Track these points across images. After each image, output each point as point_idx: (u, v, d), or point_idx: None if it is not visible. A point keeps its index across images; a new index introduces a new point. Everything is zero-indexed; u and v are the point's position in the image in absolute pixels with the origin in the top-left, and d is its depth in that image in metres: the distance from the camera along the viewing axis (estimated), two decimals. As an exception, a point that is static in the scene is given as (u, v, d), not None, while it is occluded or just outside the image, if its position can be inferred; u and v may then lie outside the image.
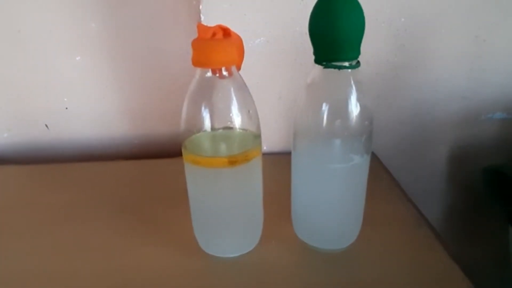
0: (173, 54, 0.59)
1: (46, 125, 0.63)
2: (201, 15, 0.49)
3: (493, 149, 0.59)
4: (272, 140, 0.57)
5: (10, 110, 0.62)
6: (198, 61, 0.30)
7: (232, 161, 0.31)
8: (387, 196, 0.46)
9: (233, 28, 0.31)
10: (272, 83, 0.54)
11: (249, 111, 0.32)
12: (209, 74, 0.31)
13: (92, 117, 0.63)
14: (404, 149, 0.59)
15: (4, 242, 0.41)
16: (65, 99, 0.62)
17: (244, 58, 0.33)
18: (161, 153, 0.65)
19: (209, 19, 0.49)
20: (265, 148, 0.57)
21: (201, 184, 0.34)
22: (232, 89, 0.31)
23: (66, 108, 0.62)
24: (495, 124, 0.58)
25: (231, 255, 0.37)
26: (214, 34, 0.29)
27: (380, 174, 0.51)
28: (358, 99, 0.31)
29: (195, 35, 0.59)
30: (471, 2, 0.51)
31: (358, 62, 0.31)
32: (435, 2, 0.50)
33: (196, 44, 0.30)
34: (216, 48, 0.29)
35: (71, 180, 0.53)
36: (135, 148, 0.66)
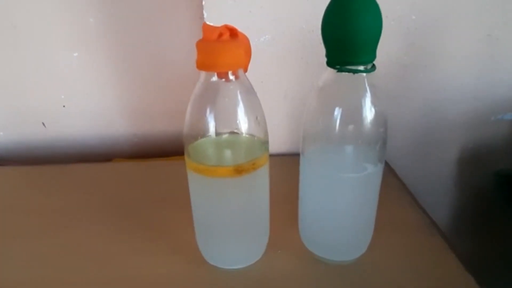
0: (174, 50, 0.57)
1: (43, 123, 0.62)
2: (204, 12, 0.47)
3: (503, 151, 0.57)
4: (277, 141, 0.56)
5: (6, 108, 0.61)
6: (203, 64, 0.28)
7: (239, 170, 0.30)
8: (397, 202, 0.44)
9: (238, 25, 0.29)
10: (277, 82, 0.52)
11: (256, 117, 0.30)
12: (214, 77, 0.29)
13: (90, 115, 0.62)
14: (412, 150, 0.58)
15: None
16: (63, 97, 0.60)
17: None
18: (161, 152, 0.63)
19: (213, 16, 0.47)
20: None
21: (205, 194, 0.32)
22: (238, 93, 0.29)
23: (64, 106, 0.61)
24: (506, 125, 0.56)
25: (235, 267, 0.35)
26: (220, 35, 0.27)
27: (389, 178, 0.49)
28: (373, 105, 0.29)
29: (197, 31, 0.57)
30: (483, 0, 0.49)
31: (374, 65, 0.29)
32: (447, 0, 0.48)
33: (201, 46, 0.28)
34: (223, 51, 0.27)
35: (69, 182, 0.51)
36: (134, 147, 0.64)
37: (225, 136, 0.30)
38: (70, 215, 0.44)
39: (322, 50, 0.50)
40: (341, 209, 0.33)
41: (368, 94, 0.29)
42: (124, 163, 0.59)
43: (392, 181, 0.49)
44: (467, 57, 0.52)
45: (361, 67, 0.28)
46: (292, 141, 0.56)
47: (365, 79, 0.29)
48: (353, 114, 0.30)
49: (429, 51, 0.51)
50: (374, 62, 0.29)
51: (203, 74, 0.29)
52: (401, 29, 0.49)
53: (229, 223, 0.33)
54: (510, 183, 0.49)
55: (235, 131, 0.30)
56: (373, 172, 0.31)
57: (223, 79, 0.29)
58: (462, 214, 0.61)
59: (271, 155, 0.33)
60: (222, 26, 0.28)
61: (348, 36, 0.27)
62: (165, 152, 0.63)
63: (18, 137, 0.63)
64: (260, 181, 0.32)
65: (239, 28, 0.29)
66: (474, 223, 0.61)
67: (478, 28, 0.50)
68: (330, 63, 0.29)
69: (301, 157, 0.34)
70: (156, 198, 0.47)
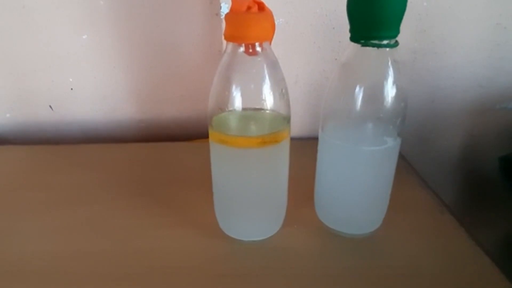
0: (185, 34, 0.57)
1: (50, 106, 0.62)
2: (219, -7, 0.47)
3: (506, 139, 0.59)
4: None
5: (13, 90, 0.60)
6: (232, 36, 0.28)
7: (262, 142, 0.30)
8: (406, 182, 0.45)
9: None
10: (288, 66, 0.52)
11: (282, 90, 0.31)
12: (241, 49, 0.29)
13: (98, 98, 0.61)
14: (417, 135, 0.59)
15: (11, 223, 0.39)
16: (71, 80, 0.60)
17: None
18: (169, 137, 0.64)
19: (227, -1, 0.48)
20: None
21: (227, 165, 0.33)
22: (265, 66, 0.30)
23: (72, 89, 0.60)
24: (510, 114, 0.58)
25: (253, 239, 0.36)
26: (249, 8, 0.28)
27: (398, 160, 0.50)
28: (395, 80, 0.30)
29: (208, 16, 0.57)
30: (493, -12, 0.50)
31: (397, 41, 0.29)
32: (457, -13, 0.49)
33: (231, 18, 0.28)
34: (252, 22, 0.28)
35: (79, 161, 0.51)
36: (141, 131, 0.64)
37: (249, 108, 0.31)
38: (84, 192, 0.44)
39: (335, 35, 0.51)
40: (358, 182, 0.33)
41: (391, 69, 0.30)
42: (131, 144, 0.59)
43: (401, 163, 0.49)
44: (475, 45, 0.53)
45: (385, 42, 0.29)
46: (303, 126, 0.56)
47: (388, 55, 0.30)
48: (376, 89, 0.30)
49: (439, 38, 0.52)
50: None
51: (230, 46, 0.29)
52: (412, 15, 0.50)
53: (249, 194, 0.33)
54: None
55: (260, 103, 0.30)
56: (393, 145, 0.32)
57: (250, 51, 0.29)
58: (467, 199, 0.63)
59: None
60: (250, -1, 0.28)
61: (375, 10, 0.27)
62: (172, 137, 0.63)
63: (25, 119, 0.62)
64: (282, 154, 0.33)
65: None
66: (475, 206, 0.62)
67: (487, 17, 0.51)
68: (354, 38, 0.30)
69: (320, 133, 0.34)
70: (169, 177, 0.47)
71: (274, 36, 0.50)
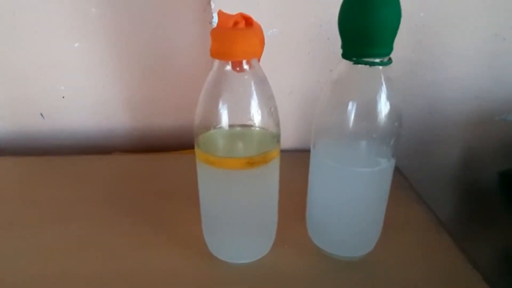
0: (178, 42, 0.56)
1: (42, 114, 0.61)
2: (212, 2, 0.46)
3: (505, 151, 0.57)
4: (282, 137, 0.55)
5: (3, 98, 0.59)
6: (218, 53, 0.27)
7: (251, 163, 0.29)
8: (402, 198, 0.44)
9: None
10: (283, 77, 0.51)
11: (270, 109, 0.29)
12: (228, 67, 0.28)
13: (90, 107, 0.60)
14: (415, 148, 0.58)
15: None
16: (62, 88, 0.59)
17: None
18: (162, 146, 0.63)
19: (219, 7, 0.46)
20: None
21: (215, 186, 0.31)
22: (253, 83, 0.29)
23: (63, 97, 0.60)
24: (509, 125, 0.56)
25: (243, 261, 0.35)
26: (236, 23, 0.27)
27: (394, 176, 0.49)
28: (389, 98, 0.29)
29: (202, 25, 0.56)
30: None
31: (390, 58, 0.28)
32: (455, -2, 0.48)
33: (216, 34, 0.27)
34: (239, 39, 0.26)
35: (69, 173, 0.50)
36: (134, 140, 0.63)
37: (237, 127, 0.30)
38: (71, 207, 0.43)
39: (329, 46, 0.50)
40: (351, 204, 0.32)
41: (384, 88, 0.29)
42: (125, 155, 0.58)
43: (398, 179, 0.48)
44: (474, 56, 0.52)
45: (378, 60, 0.28)
46: (296, 137, 0.55)
47: (381, 72, 0.28)
48: (368, 107, 0.29)
49: (436, 49, 0.51)
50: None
51: (216, 63, 0.28)
52: (409, 26, 0.49)
53: (238, 216, 0.32)
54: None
55: (248, 122, 0.29)
56: (386, 167, 0.31)
57: (237, 68, 0.28)
58: (464, 213, 0.61)
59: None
60: (237, 14, 0.27)
61: (367, 28, 0.26)
62: (165, 146, 0.62)
63: (16, 127, 0.62)
64: (271, 175, 0.32)
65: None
66: (473, 220, 0.61)
67: (485, 27, 0.50)
68: (346, 55, 0.29)
69: (312, 150, 0.33)
70: (159, 192, 0.46)
71: (268, 46, 0.49)
